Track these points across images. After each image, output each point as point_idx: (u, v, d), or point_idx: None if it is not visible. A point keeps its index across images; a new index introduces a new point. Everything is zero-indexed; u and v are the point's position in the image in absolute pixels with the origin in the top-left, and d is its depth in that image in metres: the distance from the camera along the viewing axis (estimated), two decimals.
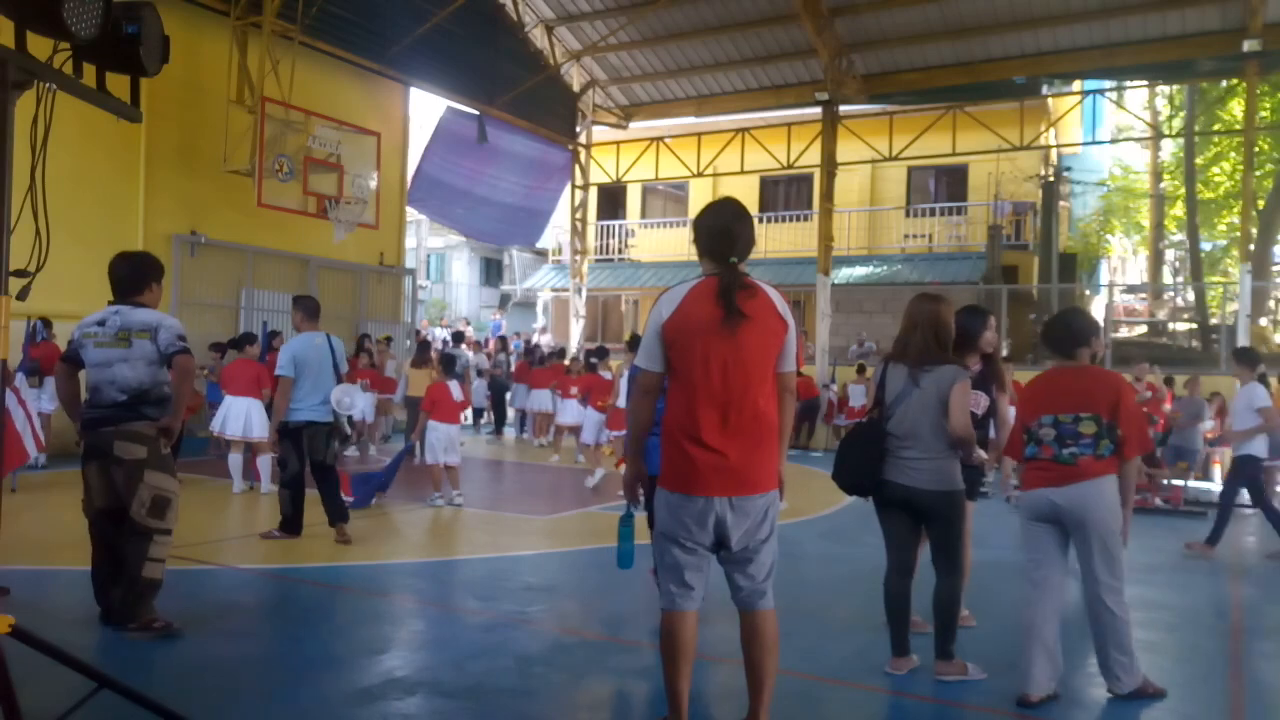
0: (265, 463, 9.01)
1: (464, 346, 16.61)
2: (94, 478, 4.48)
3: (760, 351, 3.14)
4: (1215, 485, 12.13)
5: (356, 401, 7.40)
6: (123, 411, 4.42)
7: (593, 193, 21.82)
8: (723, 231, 3.17)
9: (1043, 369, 4.18)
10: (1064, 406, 3.90)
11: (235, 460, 8.95)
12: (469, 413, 15.63)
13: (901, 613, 4.27)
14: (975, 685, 4.10)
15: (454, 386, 8.90)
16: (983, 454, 4.50)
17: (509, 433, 16.68)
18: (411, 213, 17.74)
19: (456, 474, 8.88)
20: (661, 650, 3.24)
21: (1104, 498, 3.83)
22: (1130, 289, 30.17)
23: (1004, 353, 16.04)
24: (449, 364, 9.31)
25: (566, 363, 15.24)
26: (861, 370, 15.79)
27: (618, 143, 21.77)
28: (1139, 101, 25.61)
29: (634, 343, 9.89)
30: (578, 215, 20.72)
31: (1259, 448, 7.44)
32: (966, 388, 4.06)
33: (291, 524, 6.84)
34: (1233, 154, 23.16)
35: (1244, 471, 7.49)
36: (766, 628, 3.26)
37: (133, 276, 4.59)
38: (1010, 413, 4.64)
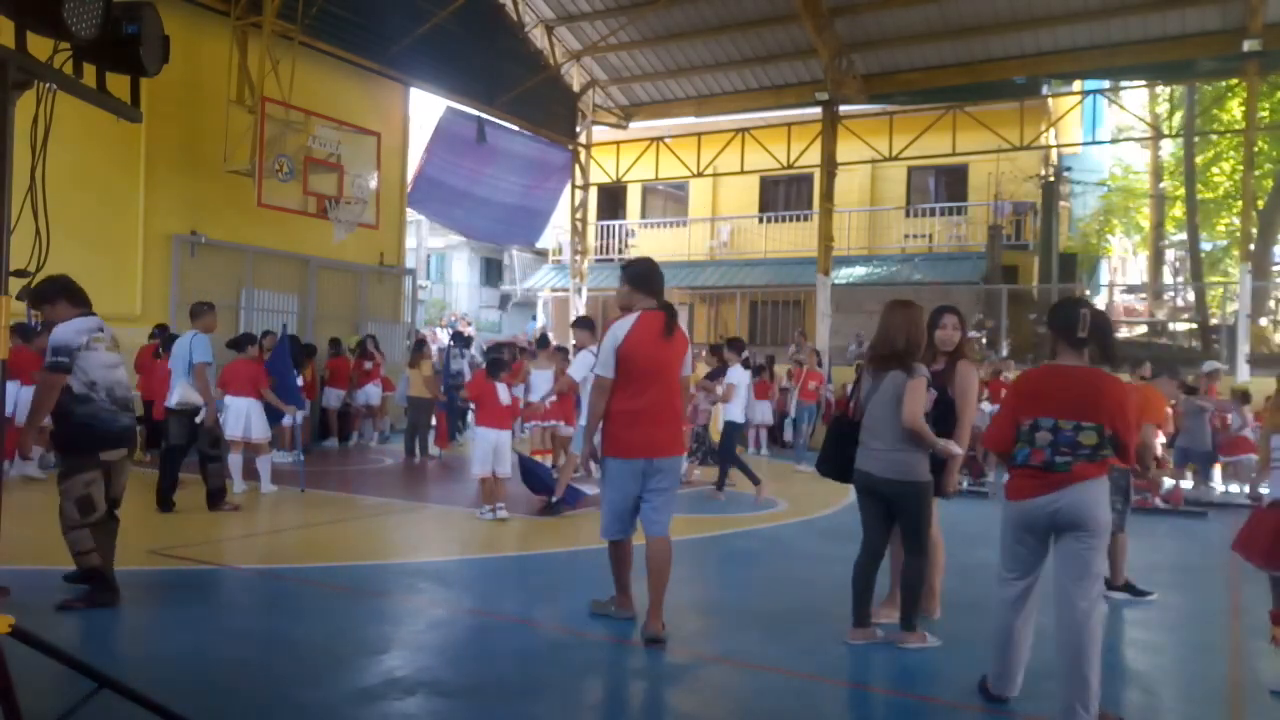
0: (265, 463, 9.01)
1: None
2: (125, 466, 5.04)
3: (679, 361, 4.74)
4: (1217, 485, 12.11)
5: (194, 400, 7.78)
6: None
7: (593, 193, 21.81)
8: (659, 276, 4.78)
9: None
10: (1066, 411, 3.58)
11: (235, 460, 8.93)
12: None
13: (865, 590, 4.65)
14: (976, 686, 4.10)
15: (502, 389, 8.16)
16: (953, 447, 4.61)
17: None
18: (411, 213, 17.73)
19: (502, 487, 8.12)
20: (617, 560, 4.87)
21: (1101, 498, 3.59)
22: (1130, 289, 30.16)
23: (1003, 353, 16.05)
24: (496, 366, 8.43)
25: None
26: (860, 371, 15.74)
27: (618, 143, 21.76)
28: (1139, 101, 25.61)
29: (544, 341, 10.10)
30: (578, 215, 20.71)
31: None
32: (919, 385, 4.44)
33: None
34: (1232, 154, 23.16)
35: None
36: (661, 546, 4.66)
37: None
38: (974, 413, 5.02)
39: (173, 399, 7.85)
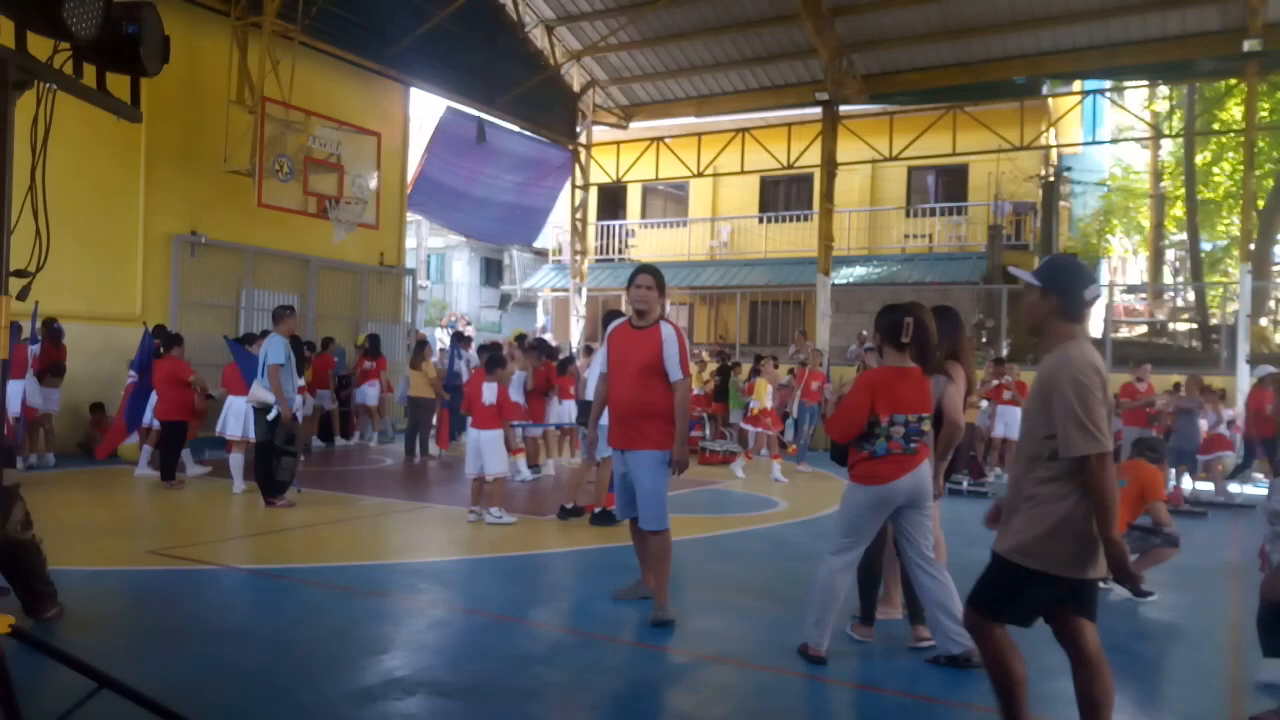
0: None
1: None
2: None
3: None
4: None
5: (265, 398, 8.13)
6: None
7: (593, 193, 21.81)
8: None
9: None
10: (912, 407, 4.26)
11: (236, 460, 8.93)
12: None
13: (872, 586, 4.75)
14: (976, 687, 4.09)
15: (487, 387, 7.97)
16: None
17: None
18: (411, 213, 17.74)
19: (497, 488, 7.87)
20: (666, 550, 4.96)
21: (929, 476, 4.36)
22: (1130, 289, 30.17)
23: (1003, 353, 16.05)
24: (491, 364, 8.25)
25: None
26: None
27: (618, 143, 21.76)
28: (1139, 101, 25.60)
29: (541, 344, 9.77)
30: (578, 215, 20.71)
31: None
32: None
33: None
34: (1232, 154, 23.15)
35: None
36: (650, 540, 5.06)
37: None
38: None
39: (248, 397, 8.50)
